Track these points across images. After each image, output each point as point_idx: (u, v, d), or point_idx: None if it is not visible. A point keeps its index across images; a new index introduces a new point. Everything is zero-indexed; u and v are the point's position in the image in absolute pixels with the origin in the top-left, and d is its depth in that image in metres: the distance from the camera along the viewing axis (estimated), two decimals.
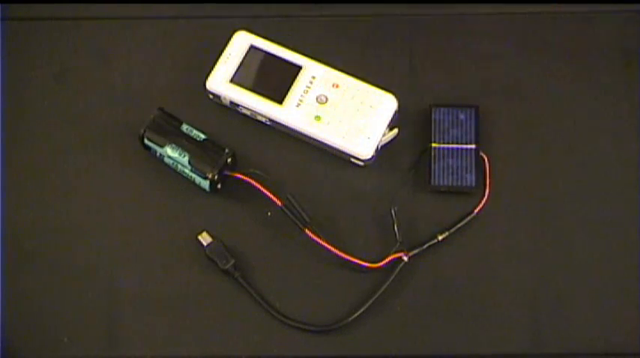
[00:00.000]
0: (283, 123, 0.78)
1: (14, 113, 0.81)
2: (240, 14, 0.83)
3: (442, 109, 0.78)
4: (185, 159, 0.76)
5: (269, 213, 0.76)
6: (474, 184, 0.76)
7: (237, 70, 0.80)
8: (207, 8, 0.84)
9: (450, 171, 0.76)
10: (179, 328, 0.74)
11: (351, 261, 0.74)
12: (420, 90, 0.80)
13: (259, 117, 0.79)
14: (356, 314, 0.73)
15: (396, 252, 0.74)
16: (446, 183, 0.76)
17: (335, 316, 0.74)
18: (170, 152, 0.76)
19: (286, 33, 0.81)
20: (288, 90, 0.79)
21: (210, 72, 0.80)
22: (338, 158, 0.78)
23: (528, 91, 0.79)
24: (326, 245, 0.74)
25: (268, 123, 0.79)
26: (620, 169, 0.77)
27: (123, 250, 0.76)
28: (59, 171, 0.79)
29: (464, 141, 0.77)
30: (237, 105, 0.79)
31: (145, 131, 0.77)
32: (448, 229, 0.75)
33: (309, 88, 0.79)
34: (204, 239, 0.75)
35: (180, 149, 0.76)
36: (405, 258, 0.74)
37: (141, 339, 0.74)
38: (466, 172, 0.76)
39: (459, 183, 0.76)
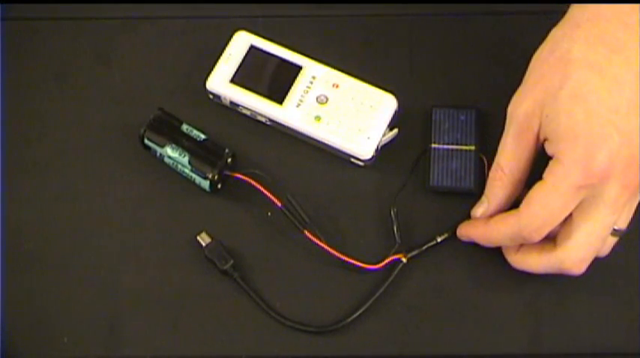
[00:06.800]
0: (283, 123, 0.78)
1: (14, 113, 0.81)
2: (240, 14, 0.83)
3: (442, 110, 0.78)
4: (185, 159, 0.76)
5: (269, 213, 0.76)
6: (473, 186, 0.76)
7: (238, 70, 0.79)
8: (207, 8, 0.83)
9: (450, 172, 0.76)
10: (179, 328, 0.74)
11: (350, 263, 0.74)
12: (420, 91, 0.80)
13: (259, 117, 0.79)
14: (355, 315, 0.73)
15: (395, 254, 0.74)
16: (445, 184, 0.76)
17: (334, 316, 0.74)
18: (170, 152, 0.76)
19: (286, 33, 0.81)
20: (288, 90, 0.79)
21: (211, 72, 0.79)
22: (338, 158, 0.78)
23: None
24: (325, 246, 0.74)
25: (268, 123, 0.79)
26: None
27: (123, 250, 0.77)
28: (59, 171, 0.79)
29: (464, 143, 0.76)
30: (238, 105, 0.79)
31: (144, 131, 0.77)
32: (447, 231, 0.75)
33: (309, 88, 0.79)
34: (203, 239, 0.75)
35: (180, 149, 0.76)
36: (404, 260, 0.74)
37: (141, 339, 0.74)
38: (465, 174, 0.76)
39: (458, 185, 0.76)
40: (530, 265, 0.72)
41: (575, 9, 0.70)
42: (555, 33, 0.70)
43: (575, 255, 0.70)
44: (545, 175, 0.69)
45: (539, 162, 0.71)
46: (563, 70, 0.68)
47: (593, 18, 0.69)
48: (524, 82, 0.71)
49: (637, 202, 0.71)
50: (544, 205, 0.68)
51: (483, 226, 0.73)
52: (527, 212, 0.69)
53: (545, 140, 0.69)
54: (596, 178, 0.67)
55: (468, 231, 0.74)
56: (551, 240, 0.71)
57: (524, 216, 0.69)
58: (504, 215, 0.72)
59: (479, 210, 0.73)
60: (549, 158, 0.69)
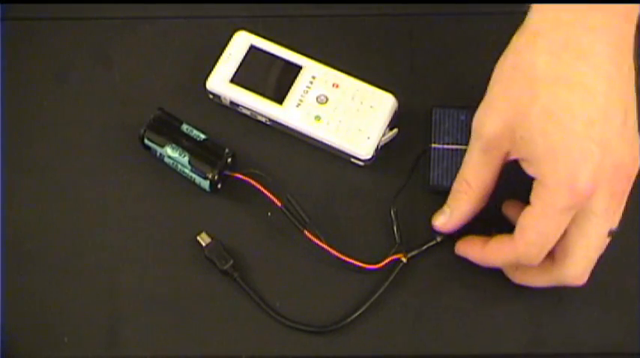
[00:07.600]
0: (283, 123, 0.78)
1: (14, 113, 0.81)
2: (240, 14, 0.83)
3: (442, 110, 0.78)
4: (185, 159, 0.76)
5: (269, 213, 0.76)
6: None
7: (237, 70, 0.79)
8: (207, 8, 0.83)
9: (450, 172, 0.76)
10: (179, 328, 0.74)
11: (351, 263, 0.74)
12: (420, 91, 0.80)
13: (259, 117, 0.79)
14: (355, 315, 0.73)
15: (395, 254, 0.74)
16: (445, 184, 0.76)
17: (334, 316, 0.74)
18: (170, 152, 0.76)
19: (286, 33, 0.81)
20: (288, 90, 0.79)
21: (211, 72, 0.79)
22: (338, 158, 0.78)
23: None
24: (325, 246, 0.74)
25: (268, 123, 0.79)
26: None
27: (123, 250, 0.76)
28: (59, 171, 0.79)
29: (464, 143, 0.76)
30: (237, 105, 0.79)
31: (144, 131, 0.77)
32: None
33: (309, 88, 0.79)
34: (203, 239, 0.75)
35: (180, 149, 0.76)
36: (404, 260, 0.74)
37: (141, 339, 0.74)
38: None
39: None
40: (531, 282, 0.72)
41: (534, 12, 0.68)
42: (516, 42, 0.68)
43: (575, 270, 0.69)
44: (532, 199, 0.67)
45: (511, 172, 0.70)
46: (529, 86, 0.66)
47: (554, 24, 0.66)
48: (488, 93, 0.68)
49: (625, 200, 0.69)
50: (538, 232, 0.67)
51: (480, 250, 0.72)
52: (523, 241, 0.68)
53: (521, 160, 0.68)
54: (582, 197, 0.65)
55: (465, 251, 0.74)
56: (549, 256, 0.70)
57: (521, 245, 0.68)
58: (499, 242, 0.71)
59: (440, 218, 0.73)
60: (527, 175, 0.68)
